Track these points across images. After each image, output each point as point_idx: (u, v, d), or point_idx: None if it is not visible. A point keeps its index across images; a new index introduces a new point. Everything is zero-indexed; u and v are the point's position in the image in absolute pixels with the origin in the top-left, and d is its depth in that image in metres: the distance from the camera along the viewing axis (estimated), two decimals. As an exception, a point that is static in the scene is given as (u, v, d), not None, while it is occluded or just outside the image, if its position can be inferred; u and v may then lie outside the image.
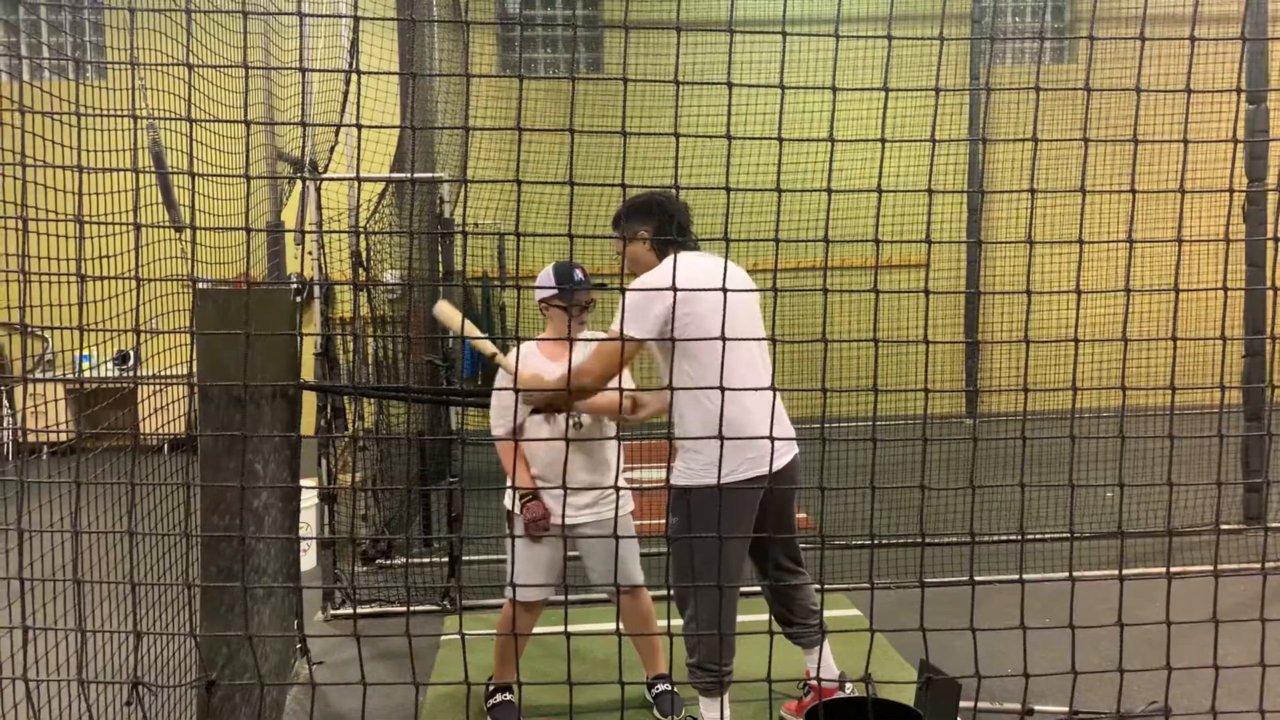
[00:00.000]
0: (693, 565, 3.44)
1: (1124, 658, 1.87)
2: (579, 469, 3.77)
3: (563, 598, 4.03)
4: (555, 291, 3.74)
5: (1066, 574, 4.78)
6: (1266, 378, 6.36)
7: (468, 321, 3.73)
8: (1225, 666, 1.79)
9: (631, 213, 3.64)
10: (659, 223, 3.56)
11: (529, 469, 3.79)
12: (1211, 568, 1.96)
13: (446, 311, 3.77)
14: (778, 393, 3.20)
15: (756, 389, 3.14)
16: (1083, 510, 6.47)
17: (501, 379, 3.79)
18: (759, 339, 3.52)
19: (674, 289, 1.99)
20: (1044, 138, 1.83)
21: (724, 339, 1.97)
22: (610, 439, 3.83)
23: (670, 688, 3.94)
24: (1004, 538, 5.37)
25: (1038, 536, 5.72)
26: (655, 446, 7.27)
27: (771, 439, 3.22)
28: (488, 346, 3.72)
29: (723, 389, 2.01)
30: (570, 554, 3.91)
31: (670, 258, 3.51)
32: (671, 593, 3.47)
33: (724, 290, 1.94)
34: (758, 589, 3.87)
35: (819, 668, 3.73)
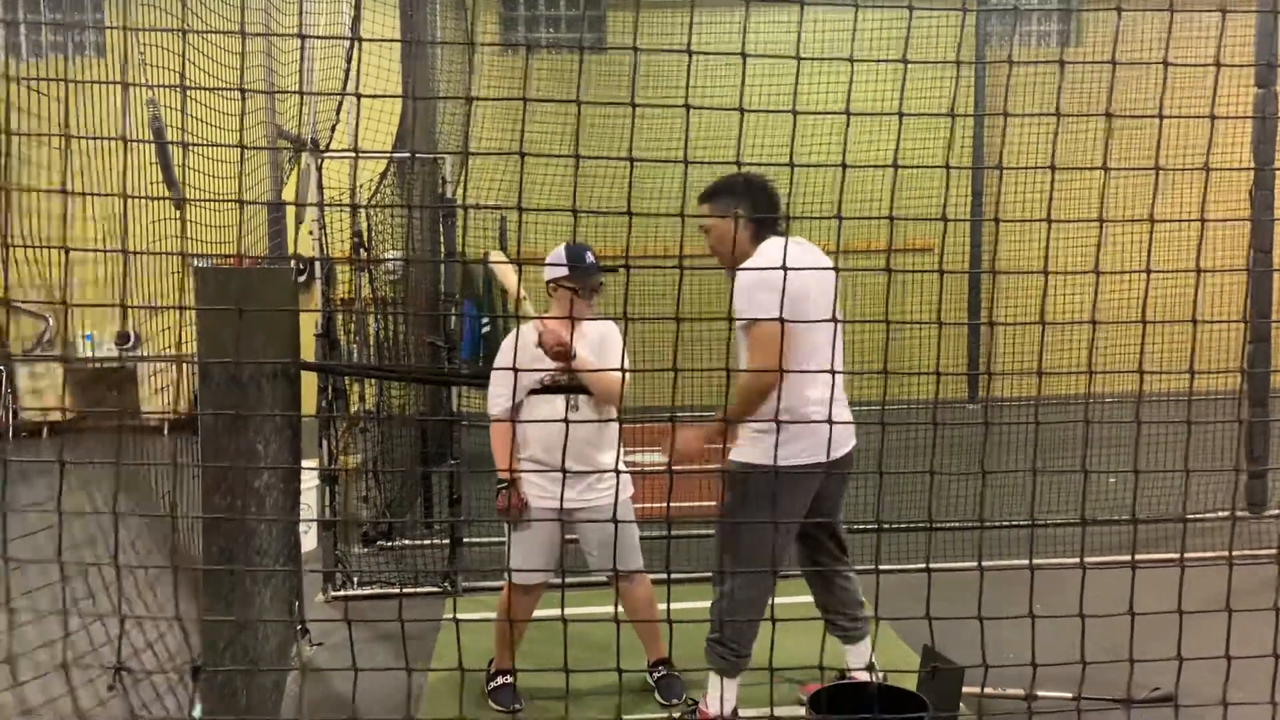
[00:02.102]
0: (739, 544, 3.43)
1: (1132, 647, 1.85)
2: (577, 452, 3.73)
3: (562, 581, 4.01)
4: (566, 273, 3.70)
5: (1073, 560, 4.77)
6: (1269, 363, 6.34)
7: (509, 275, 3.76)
8: (1238, 657, 1.76)
9: (724, 190, 3.56)
10: (753, 205, 3.50)
11: (518, 453, 3.76)
12: (1220, 554, 1.93)
13: (501, 269, 3.84)
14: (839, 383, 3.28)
15: (814, 372, 3.17)
16: (1087, 497, 6.44)
17: (501, 359, 3.76)
18: (817, 322, 3.51)
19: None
20: (1065, 114, 1.80)
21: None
22: (609, 421, 3.80)
23: (671, 672, 3.93)
24: (1013, 523, 5.34)
25: (1049, 522, 5.70)
26: (656, 430, 7.23)
27: (830, 423, 3.25)
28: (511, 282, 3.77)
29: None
30: (568, 537, 3.89)
31: (770, 243, 3.48)
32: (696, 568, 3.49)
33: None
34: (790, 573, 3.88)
35: (871, 663, 3.72)
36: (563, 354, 3.56)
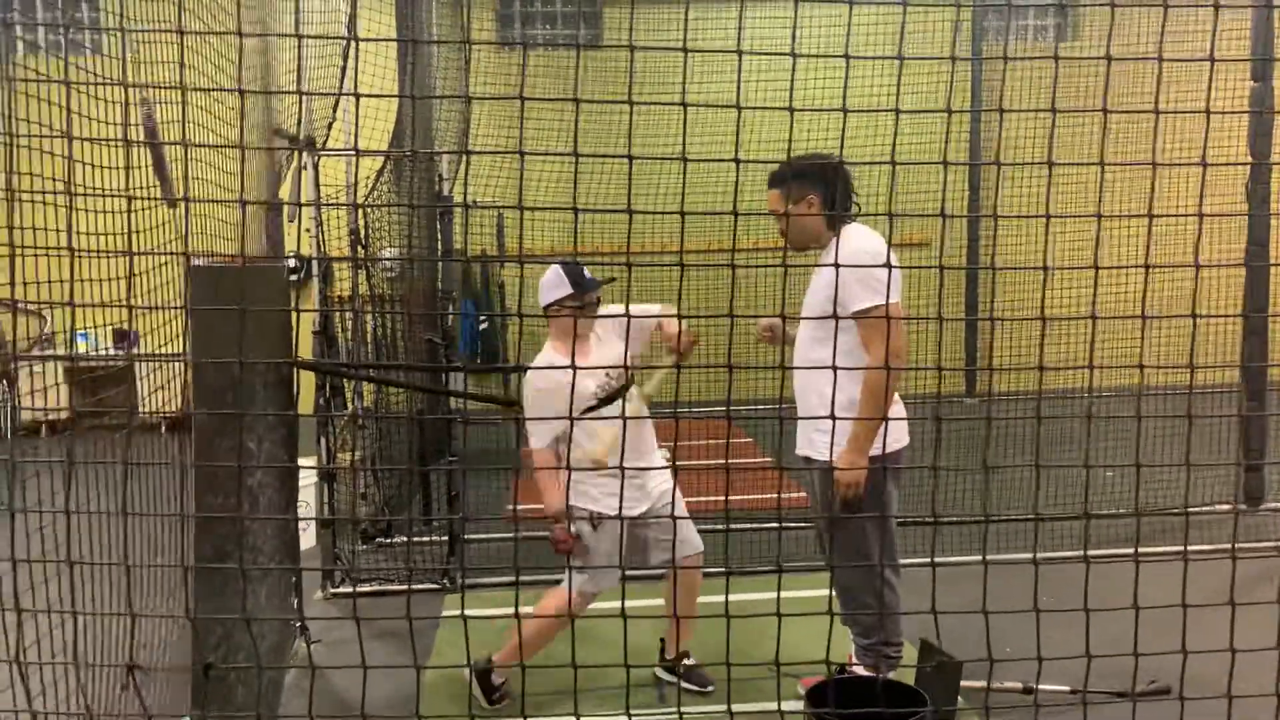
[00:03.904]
0: (882, 539, 3.46)
1: (1137, 641, 1.85)
2: (639, 453, 3.73)
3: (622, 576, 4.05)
4: (569, 292, 3.67)
5: (1078, 553, 4.79)
6: (1267, 357, 6.35)
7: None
8: (1243, 650, 1.76)
9: (802, 175, 3.52)
10: (831, 191, 3.47)
11: (573, 478, 3.69)
12: (1223, 547, 1.93)
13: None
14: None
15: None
16: (1083, 490, 6.46)
17: (538, 400, 3.62)
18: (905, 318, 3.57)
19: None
20: (1061, 110, 1.80)
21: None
22: (647, 417, 3.84)
23: (697, 663, 3.99)
24: (1015, 517, 5.36)
25: (1052, 516, 5.71)
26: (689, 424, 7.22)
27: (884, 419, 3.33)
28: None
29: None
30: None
31: (856, 229, 3.49)
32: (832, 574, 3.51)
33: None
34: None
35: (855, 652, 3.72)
36: (564, 546, 3.62)
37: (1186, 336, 2.02)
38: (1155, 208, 1.94)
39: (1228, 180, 6.46)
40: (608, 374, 3.66)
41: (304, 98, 4.70)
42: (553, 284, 3.71)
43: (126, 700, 2.47)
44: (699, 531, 3.94)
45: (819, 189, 3.47)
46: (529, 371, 3.72)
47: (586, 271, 3.72)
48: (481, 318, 10.07)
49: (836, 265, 2.03)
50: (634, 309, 3.82)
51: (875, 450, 3.36)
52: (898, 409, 3.59)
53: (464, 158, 6.89)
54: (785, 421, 3.66)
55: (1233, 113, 1.88)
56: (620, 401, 3.62)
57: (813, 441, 3.53)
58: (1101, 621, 1.93)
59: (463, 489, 5.79)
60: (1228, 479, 6.45)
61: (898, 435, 3.50)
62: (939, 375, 1.75)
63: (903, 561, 3.79)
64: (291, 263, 5.12)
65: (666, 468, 3.82)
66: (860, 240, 3.43)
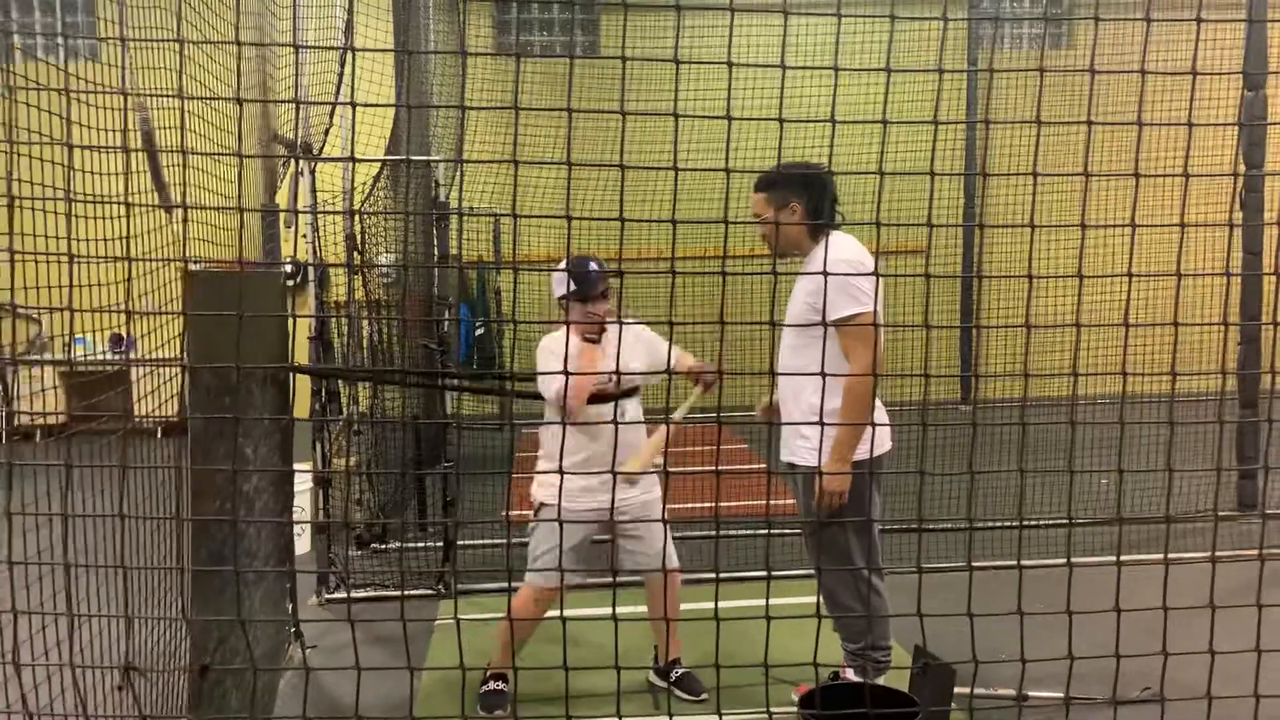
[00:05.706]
0: (865, 544, 3.47)
1: (1119, 644, 1.87)
2: (624, 457, 3.76)
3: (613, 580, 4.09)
4: (574, 288, 3.71)
5: (1063, 560, 4.81)
6: (1262, 364, 6.38)
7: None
8: (1221, 652, 1.78)
9: (786, 182, 3.55)
10: (815, 199, 3.50)
11: (555, 462, 3.74)
12: (1207, 554, 1.96)
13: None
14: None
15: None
16: (1078, 497, 6.47)
17: (551, 362, 3.69)
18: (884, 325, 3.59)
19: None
20: (1046, 121, 1.82)
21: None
22: (640, 423, 3.87)
23: (688, 669, 4.01)
24: (1002, 524, 5.38)
25: (1036, 523, 5.73)
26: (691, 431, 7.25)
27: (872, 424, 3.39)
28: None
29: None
30: (599, 538, 3.96)
31: (839, 238, 3.52)
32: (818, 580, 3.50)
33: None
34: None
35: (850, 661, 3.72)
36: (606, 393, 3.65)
37: (1181, 344, 2.04)
38: (1151, 214, 1.96)
39: (1221, 189, 6.49)
40: (609, 377, 3.70)
41: (300, 104, 4.72)
42: (559, 280, 3.80)
43: (121, 701, 2.48)
44: (694, 537, 3.96)
45: (803, 196, 3.50)
46: (545, 338, 3.82)
47: (594, 266, 3.77)
48: (478, 323, 10.09)
49: (825, 274, 2.05)
50: (651, 336, 3.89)
51: (859, 455, 3.40)
52: (880, 414, 3.62)
53: (460, 165, 6.91)
54: (776, 428, 3.70)
55: (1214, 125, 1.90)
56: (617, 405, 3.66)
57: (795, 449, 3.56)
58: (1090, 628, 1.95)
59: (458, 494, 5.79)
60: (1227, 485, 6.47)
61: (880, 440, 3.52)
62: (925, 382, 1.77)
63: (892, 568, 3.82)
64: (288, 268, 5.13)
65: (656, 472, 3.85)
66: (840, 249, 3.45)
